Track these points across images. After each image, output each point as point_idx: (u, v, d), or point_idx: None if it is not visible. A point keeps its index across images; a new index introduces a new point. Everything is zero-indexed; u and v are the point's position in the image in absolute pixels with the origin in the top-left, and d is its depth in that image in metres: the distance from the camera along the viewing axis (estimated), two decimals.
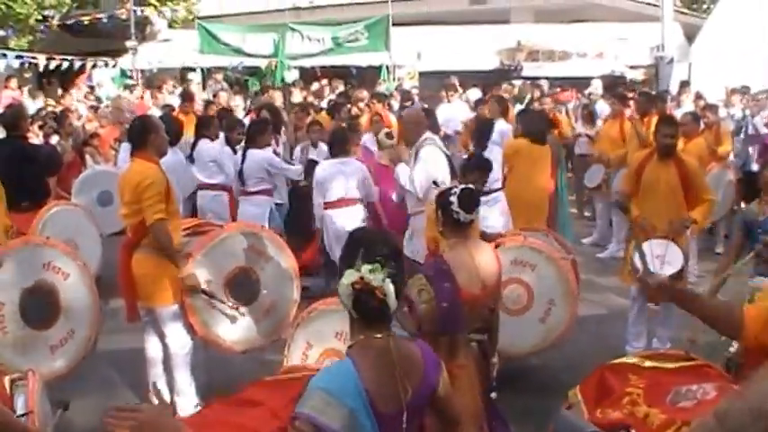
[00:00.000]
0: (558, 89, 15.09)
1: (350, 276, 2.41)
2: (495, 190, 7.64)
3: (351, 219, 7.14)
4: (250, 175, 7.75)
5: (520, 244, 5.76)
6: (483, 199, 7.62)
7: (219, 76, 17.85)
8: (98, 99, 16.45)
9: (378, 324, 2.46)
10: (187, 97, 11.84)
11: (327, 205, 7.44)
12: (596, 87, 14.58)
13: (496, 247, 5.48)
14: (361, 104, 12.33)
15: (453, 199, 4.04)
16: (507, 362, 5.57)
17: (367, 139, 9.52)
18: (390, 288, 2.39)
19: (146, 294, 5.32)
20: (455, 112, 13.75)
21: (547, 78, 16.54)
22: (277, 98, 12.88)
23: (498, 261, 4.23)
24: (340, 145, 7.60)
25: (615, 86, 13.61)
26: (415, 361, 2.52)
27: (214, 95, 14.67)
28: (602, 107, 12.05)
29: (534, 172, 8.04)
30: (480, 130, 8.16)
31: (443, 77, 14.71)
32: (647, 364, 3.32)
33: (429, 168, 6.23)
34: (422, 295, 3.79)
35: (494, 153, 7.65)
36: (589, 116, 11.73)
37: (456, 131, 12.16)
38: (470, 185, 4.28)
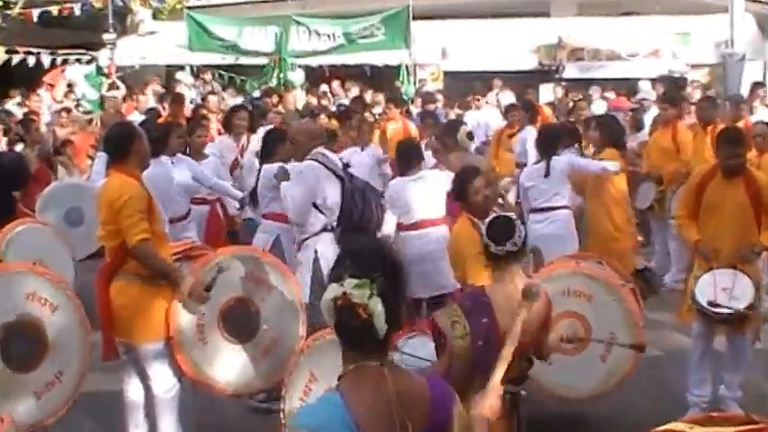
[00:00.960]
0: (613, 93, 15.04)
1: (332, 291, 2.40)
2: (555, 208, 7.76)
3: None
4: (261, 195, 7.36)
5: (571, 271, 5.73)
6: (538, 218, 7.73)
7: (208, 77, 17.91)
8: (77, 102, 16.54)
9: (365, 350, 2.43)
10: (175, 101, 11.92)
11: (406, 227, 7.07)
12: (646, 92, 14.47)
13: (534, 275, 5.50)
14: (377, 111, 12.37)
15: (483, 229, 4.10)
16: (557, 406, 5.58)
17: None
18: (378, 308, 2.35)
19: (126, 329, 5.26)
20: (485, 119, 13.81)
21: (592, 80, 16.58)
22: (291, 101, 12.96)
23: (549, 305, 4.21)
24: (409, 158, 7.27)
25: (671, 89, 13.51)
26: (419, 395, 2.49)
27: (203, 99, 14.76)
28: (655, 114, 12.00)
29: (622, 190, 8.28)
30: (546, 138, 8.14)
31: (472, 79, 14.71)
32: (698, 430, 3.29)
33: (308, 188, 6.13)
34: (455, 329, 3.80)
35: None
36: (634, 124, 11.72)
37: (484, 142, 12.18)
38: (507, 214, 4.30)
